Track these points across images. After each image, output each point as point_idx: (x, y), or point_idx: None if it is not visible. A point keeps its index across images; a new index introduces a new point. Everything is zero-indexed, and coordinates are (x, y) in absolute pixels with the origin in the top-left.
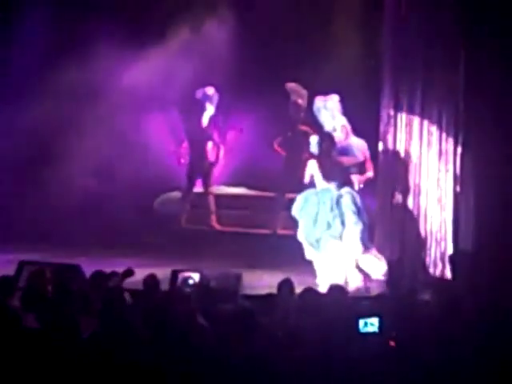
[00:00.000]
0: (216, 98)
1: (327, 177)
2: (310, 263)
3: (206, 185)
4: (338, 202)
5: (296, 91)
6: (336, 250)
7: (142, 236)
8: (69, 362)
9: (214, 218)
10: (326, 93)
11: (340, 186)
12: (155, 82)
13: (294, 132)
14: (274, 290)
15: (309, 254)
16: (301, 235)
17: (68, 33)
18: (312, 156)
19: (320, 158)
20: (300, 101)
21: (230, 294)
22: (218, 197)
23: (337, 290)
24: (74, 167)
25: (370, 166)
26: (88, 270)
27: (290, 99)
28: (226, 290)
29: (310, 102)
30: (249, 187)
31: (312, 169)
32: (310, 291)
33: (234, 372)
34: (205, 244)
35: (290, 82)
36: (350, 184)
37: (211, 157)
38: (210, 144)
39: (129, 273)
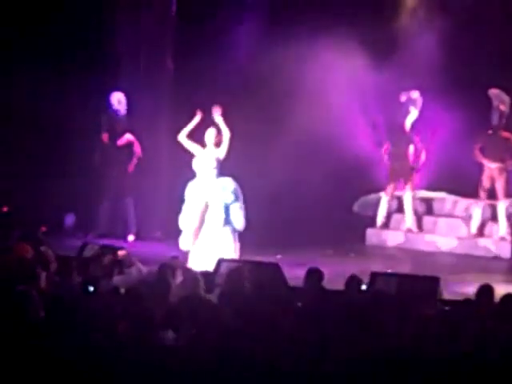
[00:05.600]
0: (420, 101)
1: None
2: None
3: (406, 188)
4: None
5: (499, 97)
6: None
7: (337, 236)
8: (266, 358)
9: (413, 222)
10: None
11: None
12: (360, 83)
13: (495, 138)
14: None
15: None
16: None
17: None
18: None
19: None
20: (502, 107)
21: (428, 297)
22: (418, 201)
23: None
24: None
25: None
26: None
27: (493, 105)
28: (423, 294)
29: None
30: (449, 192)
31: None
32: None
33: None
34: (402, 248)
35: (494, 87)
36: None
37: (412, 160)
38: (411, 147)
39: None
